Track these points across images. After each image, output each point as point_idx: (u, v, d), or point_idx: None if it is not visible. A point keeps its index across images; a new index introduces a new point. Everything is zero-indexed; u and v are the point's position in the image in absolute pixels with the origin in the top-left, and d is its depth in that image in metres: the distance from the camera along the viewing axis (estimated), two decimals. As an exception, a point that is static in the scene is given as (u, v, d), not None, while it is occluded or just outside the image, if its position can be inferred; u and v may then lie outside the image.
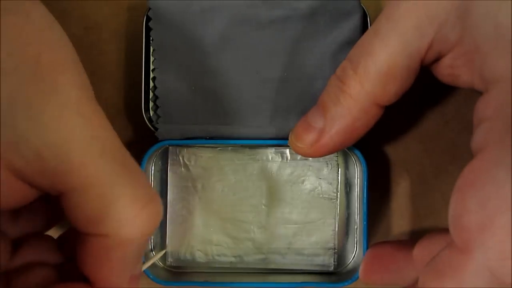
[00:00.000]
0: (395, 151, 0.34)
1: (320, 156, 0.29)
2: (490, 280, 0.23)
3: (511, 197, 0.22)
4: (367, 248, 0.32)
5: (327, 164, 0.33)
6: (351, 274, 0.32)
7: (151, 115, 0.33)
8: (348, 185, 0.34)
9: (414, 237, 0.34)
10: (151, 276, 0.32)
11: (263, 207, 0.34)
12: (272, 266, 0.34)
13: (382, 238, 0.34)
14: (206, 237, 0.34)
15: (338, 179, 0.34)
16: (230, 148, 0.33)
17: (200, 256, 0.34)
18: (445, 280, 0.24)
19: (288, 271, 0.34)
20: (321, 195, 0.33)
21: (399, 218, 0.34)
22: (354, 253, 0.34)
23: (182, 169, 0.33)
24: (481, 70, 0.25)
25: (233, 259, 0.34)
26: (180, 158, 0.33)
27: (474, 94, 0.33)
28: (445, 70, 0.27)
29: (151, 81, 0.33)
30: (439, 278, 0.25)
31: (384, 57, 0.26)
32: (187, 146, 0.33)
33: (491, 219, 0.23)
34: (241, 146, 0.33)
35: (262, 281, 0.33)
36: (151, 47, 0.32)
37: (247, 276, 0.33)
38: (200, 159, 0.33)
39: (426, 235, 0.29)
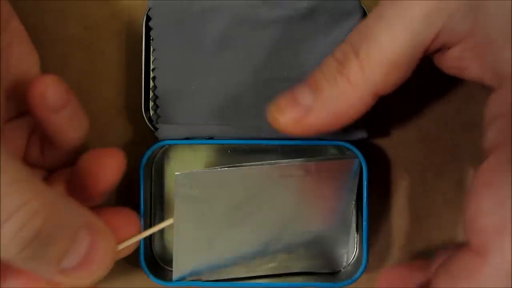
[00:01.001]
0: (395, 151, 0.34)
1: (301, 135, 0.27)
2: (508, 282, 0.22)
3: None
4: (367, 248, 0.32)
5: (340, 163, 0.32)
6: (351, 274, 0.32)
7: (151, 115, 0.33)
8: (348, 185, 0.34)
9: (413, 237, 0.34)
10: (151, 276, 0.32)
11: (275, 219, 0.32)
12: (287, 271, 0.33)
13: (382, 238, 0.34)
14: (215, 256, 0.32)
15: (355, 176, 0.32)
16: (238, 166, 0.31)
17: (209, 277, 0.32)
18: (460, 283, 0.24)
19: (300, 274, 0.33)
20: (337, 198, 0.32)
21: (399, 218, 0.34)
22: (354, 253, 0.33)
23: (189, 188, 0.30)
24: (494, 64, 0.24)
25: (245, 275, 0.32)
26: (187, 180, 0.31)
27: (475, 93, 0.33)
28: (451, 62, 0.26)
29: (151, 81, 0.33)
30: (454, 281, 0.24)
31: (389, 44, 0.25)
32: (196, 173, 0.31)
33: (509, 220, 0.22)
34: (250, 159, 0.32)
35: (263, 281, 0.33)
36: (151, 47, 0.32)
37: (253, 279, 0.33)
38: (207, 177, 0.31)
39: (444, 259, 0.26)
